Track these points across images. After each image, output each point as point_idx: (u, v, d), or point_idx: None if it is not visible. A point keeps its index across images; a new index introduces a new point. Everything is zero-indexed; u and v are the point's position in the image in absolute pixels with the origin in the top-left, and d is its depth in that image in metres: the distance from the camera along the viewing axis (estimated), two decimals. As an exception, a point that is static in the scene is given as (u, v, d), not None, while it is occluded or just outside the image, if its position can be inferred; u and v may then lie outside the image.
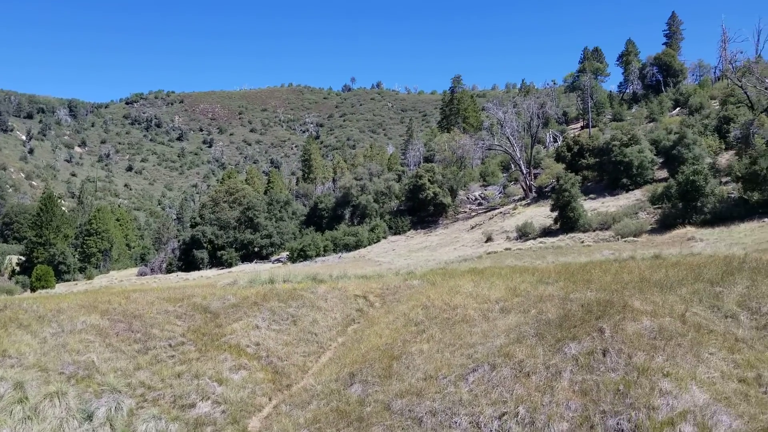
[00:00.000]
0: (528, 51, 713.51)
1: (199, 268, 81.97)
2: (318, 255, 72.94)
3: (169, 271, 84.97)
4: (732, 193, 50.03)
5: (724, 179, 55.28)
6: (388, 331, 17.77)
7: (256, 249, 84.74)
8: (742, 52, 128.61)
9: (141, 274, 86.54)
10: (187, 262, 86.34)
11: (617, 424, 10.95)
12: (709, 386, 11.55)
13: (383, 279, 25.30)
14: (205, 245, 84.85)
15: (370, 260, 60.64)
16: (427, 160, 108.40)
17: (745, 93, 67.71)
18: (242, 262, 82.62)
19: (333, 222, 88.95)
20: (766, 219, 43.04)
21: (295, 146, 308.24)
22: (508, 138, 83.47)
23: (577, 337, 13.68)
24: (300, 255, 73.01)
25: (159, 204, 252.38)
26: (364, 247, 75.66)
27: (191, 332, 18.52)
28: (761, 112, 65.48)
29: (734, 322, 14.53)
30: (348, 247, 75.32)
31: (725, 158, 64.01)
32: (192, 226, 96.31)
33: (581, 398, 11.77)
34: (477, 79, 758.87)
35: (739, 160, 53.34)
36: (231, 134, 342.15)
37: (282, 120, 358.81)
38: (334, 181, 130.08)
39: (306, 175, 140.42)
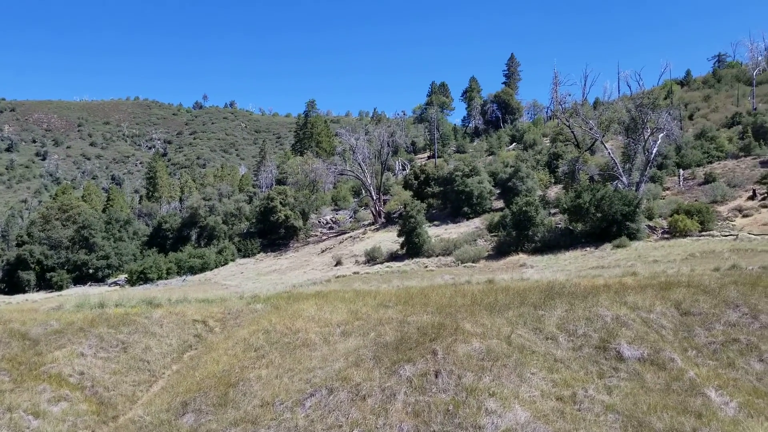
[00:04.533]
0: (380, 80, 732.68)
1: (24, 291, 74.71)
2: (160, 278, 69.21)
3: (-12, 294, 76.71)
4: (559, 224, 54.23)
5: (552, 211, 59.85)
6: (227, 357, 17.22)
7: (91, 271, 78.84)
8: (570, 95, 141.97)
9: (-46, 297, 77.33)
10: (11, 284, 78.48)
11: (446, 443, 11.38)
12: (530, 405, 12.33)
13: (226, 303, 24.52)
14: (32, 266, 77.63)
15: (216, 283, 58.63)
16: (280, 182, 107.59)
17: (572, 132, 73.98)
18: (75, 284, 76.40)
19: (178, 243, 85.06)
20: (587, 248, 47.22)
21: (140, 163, 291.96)
22: (359, 164, 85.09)
23: (412, 359, 14.09)
24: (140, 278, 68.91)
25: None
26: (211, 270, 73.04)
27: (6, 361, 16.90)
28: (585, 150, 72.07)
29: (554, 343, 15.63)
30: (194, 270, 72.30)
31: (554, 191, 69.62)
32: (18, 245, 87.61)
33: (414, 419, 12.10)
34: (331, 104, 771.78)
35: (566, 193, 57.90)
36: (68, 147, 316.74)
37: (126, 135, 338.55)
38: (181, 200, 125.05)
39: (150, 193, 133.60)
